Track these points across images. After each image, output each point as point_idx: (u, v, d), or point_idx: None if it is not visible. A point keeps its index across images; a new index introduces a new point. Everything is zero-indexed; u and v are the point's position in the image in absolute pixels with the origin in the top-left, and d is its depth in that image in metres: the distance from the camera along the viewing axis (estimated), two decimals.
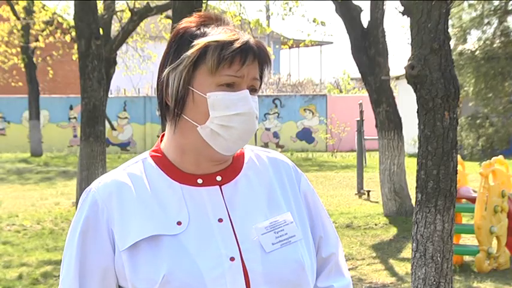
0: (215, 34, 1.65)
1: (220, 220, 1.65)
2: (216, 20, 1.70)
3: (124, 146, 25.06)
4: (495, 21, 15.28)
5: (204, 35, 1.66)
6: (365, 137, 14.53)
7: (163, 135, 1.76)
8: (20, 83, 24.57)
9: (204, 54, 1.63)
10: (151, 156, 1.73)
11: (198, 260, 1.59)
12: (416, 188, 4.97)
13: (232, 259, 1.61)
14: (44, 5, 18.61)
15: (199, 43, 1.64)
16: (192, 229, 1.63)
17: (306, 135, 25.58)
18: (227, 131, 1.64)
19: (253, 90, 1.67)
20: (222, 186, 1.69)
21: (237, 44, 1.63)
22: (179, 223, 1.62)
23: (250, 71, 1.65)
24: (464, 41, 15.52)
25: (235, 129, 1.64)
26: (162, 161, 1.71)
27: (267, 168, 1.77)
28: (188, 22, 1.70)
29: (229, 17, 1.71)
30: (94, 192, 1.67)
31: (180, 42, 1.67)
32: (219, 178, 1.69)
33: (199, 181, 1.68)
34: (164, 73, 1.67)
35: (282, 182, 1.76)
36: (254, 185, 1.72)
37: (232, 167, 1.72)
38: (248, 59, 1.64)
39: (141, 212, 1.64)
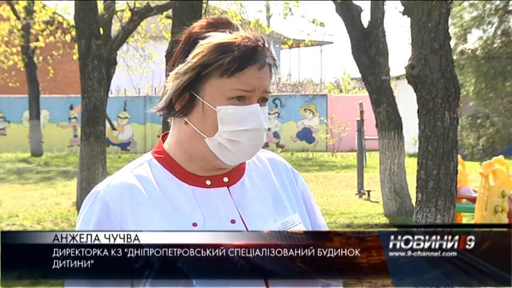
0: (223, 39, 1.62)
1: (233, 221, 1.65)
2: (226, 25, 1.67)
3: (124, 146, 25.05)
4: (496, 21, 15.27)
5: (212, 41, 1.62)
6: (365, 137, 14.51)
7: (163, 135, 1.74)
8: (20, 83, 24.55)
9: (213, 63, 1.60)
10: (155, 157, 1.71)
11: None
12: (417, 188, 4.97)
13: None
14: (44, 5, 18.60)
15: (204, 50, 1.61)
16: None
17: (306, 135, 25.56)
18: (235, 146, 1.63)
19: (263, 100, 1.65)
20: (230, 187, 1.69)
21: (247, 54, 1.60)
22: (195, 224, 1.62)
23: (261, 83, 1.63)
24: (465, 40, 15.51)
25: (243, 144, 1.63)
26: (168, 162, 1.69)
27: (268, 169, 1.78)
28: (199, 27, 1.67)
29: (237, 23, 1.68)
30: (103, 195, 1.63)
31: (189, 46, 1.65)
32: (226, 179, 1.69)
33: (208, 182, 1.68)
34: (171, 76, 1.65)
35: (283, 183, 1.78)
36: (258, 185, 1.73)
37: (236, 168, 1.73)
38: (260, 71, 1.61)
39: (154, 213, 1.62)
